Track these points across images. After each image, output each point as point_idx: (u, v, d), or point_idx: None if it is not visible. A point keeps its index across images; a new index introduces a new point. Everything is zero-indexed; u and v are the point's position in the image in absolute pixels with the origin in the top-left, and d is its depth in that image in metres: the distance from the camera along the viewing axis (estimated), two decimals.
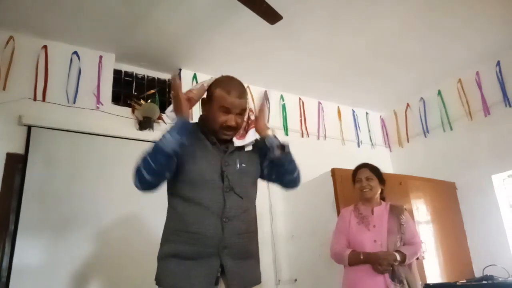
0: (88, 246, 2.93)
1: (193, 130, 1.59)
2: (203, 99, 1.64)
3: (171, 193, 1.60)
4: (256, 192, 1.70)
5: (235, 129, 1.59)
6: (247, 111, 1.65)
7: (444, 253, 3.73)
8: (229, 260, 1.48)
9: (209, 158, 1.56)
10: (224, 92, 1.54)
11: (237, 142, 1.64)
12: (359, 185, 2.58)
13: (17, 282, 2.65)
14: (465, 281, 3.07)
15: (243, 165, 1.61)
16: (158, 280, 1.50)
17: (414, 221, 3.03)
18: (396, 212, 2.50)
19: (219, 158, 1.58)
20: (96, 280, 2.88)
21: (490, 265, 3.01)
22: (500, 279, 2.93)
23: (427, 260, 3.53)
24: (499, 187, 3.92)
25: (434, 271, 3.57)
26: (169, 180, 1.59)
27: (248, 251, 1.57)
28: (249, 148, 1.67)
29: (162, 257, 1.51)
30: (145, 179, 1.44)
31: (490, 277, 2.90)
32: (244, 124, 1.67)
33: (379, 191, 2.57)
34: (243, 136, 1.67)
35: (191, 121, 1.53)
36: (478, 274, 3.48)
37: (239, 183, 1.57)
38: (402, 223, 2.46)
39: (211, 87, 1.60)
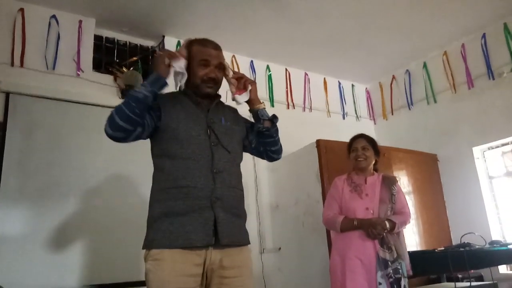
0: (70, 214, 2.90)
1: (176, 95, 1.66)
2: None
3: (157, 155, 1.60)
4: (241, 152, 1.73)
5: (215, 82, 1.65)
6: (226, 67, 1.70)
7: (424, 222, 3.84)
8: (221, 212, 1.49)
9: (194, 117, 1.60)
10: (201, 46, 1.64)
11: (239, 97, 1.68)
12: (354, 154, 2.59)
13: None
14: (443, 248, 3.15)
15: (228, 122, 1.67)
16: (150, 242, 1.47)
17: None
18: (388, 182, 2.55)
19: (204, 116, 1.62)
20: (79, 248, 2.87)
21: (468, 233, 3.08)
22: (477, 246, 3.02)
23: (407, 229, 3.61)
24: (479, 158, 4.02)
25: (413, 240, 3.68)
26: (154, 142, 1.61)
27: (238, 207, 1.59)
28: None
29: (154, 219, 1.49)
30: (117, 124, 1.44)
31: (467, 244, 2.98)
32: (243, 80, 1.71)
33: (373, 162, 2.61)
34: (243, 90, 1.70)
35: (167, 80, 1.54)
36: (456, 242, 3.59)
37: (225, 138, 1.61)
38: (394, 193, 2.52)
39: (188, 48, 1.66)
